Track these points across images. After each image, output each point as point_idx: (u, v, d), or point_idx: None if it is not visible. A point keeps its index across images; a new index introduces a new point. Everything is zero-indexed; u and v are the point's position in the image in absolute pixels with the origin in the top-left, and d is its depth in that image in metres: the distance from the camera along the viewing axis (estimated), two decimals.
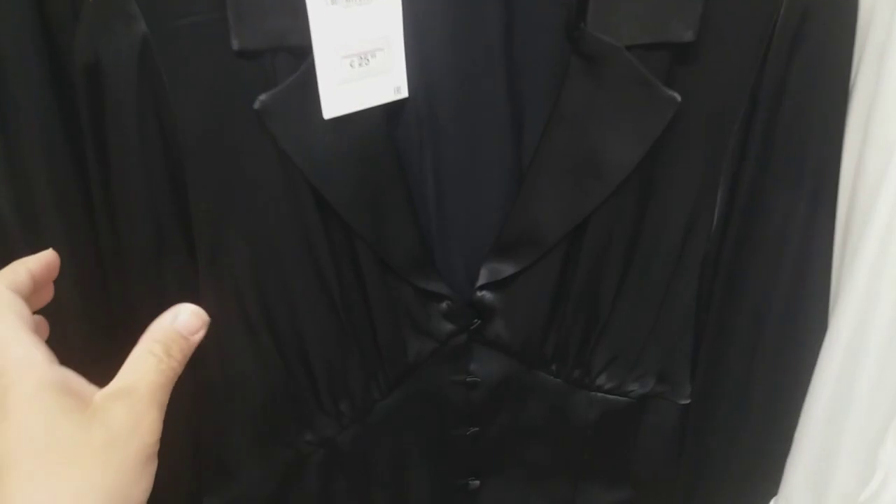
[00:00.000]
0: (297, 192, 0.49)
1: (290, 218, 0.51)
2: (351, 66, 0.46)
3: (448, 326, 0.59)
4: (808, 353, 0.59)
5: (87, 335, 0.52)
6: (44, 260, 0.38)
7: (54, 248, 0.39)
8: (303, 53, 0.45)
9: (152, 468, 0.34)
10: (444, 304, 0.58)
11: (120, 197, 0.48)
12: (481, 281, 0.57)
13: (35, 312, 0.37)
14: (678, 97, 0.49)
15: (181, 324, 0.39)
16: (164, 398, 0.36)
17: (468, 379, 0.61)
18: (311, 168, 0.48)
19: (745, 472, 0.64)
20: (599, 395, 0.63)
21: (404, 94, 0.49)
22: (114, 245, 0.50)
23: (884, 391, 0.55)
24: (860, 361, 0.54)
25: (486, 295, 0.58)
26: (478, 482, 0.67)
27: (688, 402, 0.64)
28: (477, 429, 0.64)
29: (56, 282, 0.40)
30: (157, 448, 0.35)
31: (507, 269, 0.56)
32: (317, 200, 0.50)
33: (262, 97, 0.46)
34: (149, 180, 0.48)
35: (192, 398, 0.55)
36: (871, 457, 0.59)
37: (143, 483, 0.34)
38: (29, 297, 0.36)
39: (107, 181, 0.48)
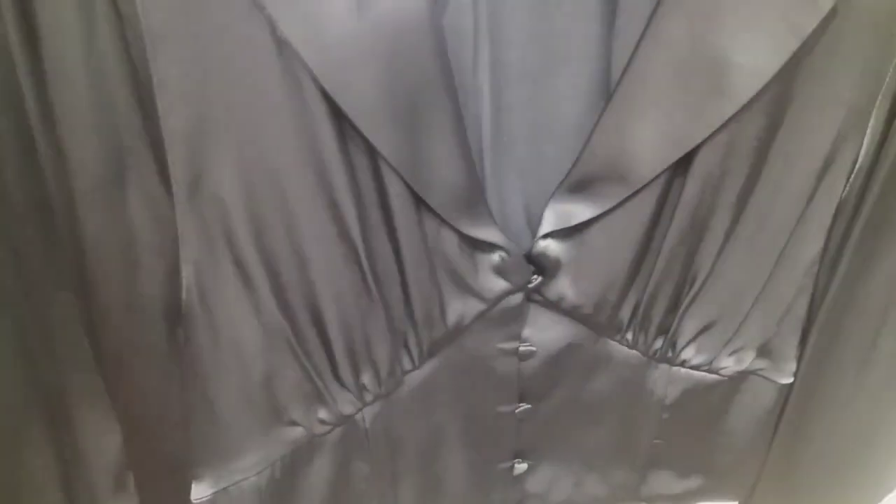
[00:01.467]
0: (303, 98, 0.36)
1: (295, 134, 0.37)
2: None
3: (500, 284, 0.46)
4: None
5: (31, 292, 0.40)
6: None
7: None
8: None
9: None
10: (496, 256, 0.45)
11: (61, 106, 0.35)
12: (546, 227, 0.45)
13: None
14: None
15: None
16: None
17: (521, 347, 0.50)
18: (323, 66, 0.35)
19: (849, 465, 0.55)
20: (683, 370, 0.52)
21: None
22: (59, 173, 0.37)
23: None
24: None
25: (550, 245, 0.45)
26: (525, 465, 0.56)
27: (789, 381, 0.53)
28: (528, 406, 0.53)
29: None
30: None
31: (583, 213, 0.44)
32: (331, 111, 0.37)
33: None
34: (99, 80, 0.35)
35: (178, 364, 0.44)
36: None
37: None
38: None
39: (41, 83, 0.35)
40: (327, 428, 0.48)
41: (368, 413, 0.48)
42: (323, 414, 0.47)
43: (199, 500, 0.47)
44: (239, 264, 0.41)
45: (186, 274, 0.40)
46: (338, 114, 0.37)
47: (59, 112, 0.36)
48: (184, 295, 0.41)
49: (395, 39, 0.35)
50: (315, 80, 0.35)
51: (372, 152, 0.39)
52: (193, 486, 0.47)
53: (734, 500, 0.62)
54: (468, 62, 0.40)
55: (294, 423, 0.47)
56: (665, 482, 0.59)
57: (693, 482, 0.59)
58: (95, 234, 0.39)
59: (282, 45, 0.34)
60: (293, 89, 0.36)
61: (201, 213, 0.39)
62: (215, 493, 0.47)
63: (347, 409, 0.47)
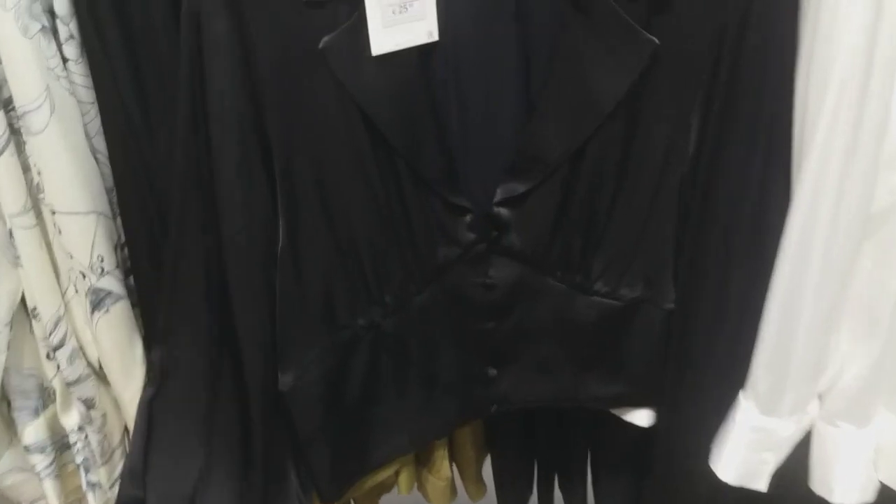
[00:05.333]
0: (350, 115, 0.57)
1: (345, 137, 0.58)
2: (393, 13, 0.53)
3: (471, 235, 0.64)
4: (771, 262, 0.63)
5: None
6: None
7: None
8: (357, 3, 0.53)
9: None
10: (467, 217, 0.64)
11: (214, 119, 0.55)
12: (498, 197, 0.62)
13: None
14: (656, 40, 0.55)
15: None
16: None
17: (487, 281, 0.67)
18: (361, 95, 0.55)
19: (720, 368, 0.67)
20: (596, 298, 0.68)
21: (435, 37, 0.56)
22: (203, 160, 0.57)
23: (828, 287, 0.61)
24: (807, 262, 0.60)
25: (502, 210, 0.63)
26: (495, 370, 0.72)
27: (672, 306, 0.67)
28: (493, 324, 0.69)
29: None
30: None
31: (520, 188, 0.62)
32: (366, 123, 0.57)
33: (326, 38, 0.53)
34: (237, 102, 0.55)
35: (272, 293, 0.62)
36: (823, 346, 0.64)
37: None
38: None
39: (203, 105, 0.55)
40: (364, 331, 0.66)
41: (389, 323, 0.66)
42: (361, 321, 0.65)
43: (286, 388, 0.63)
44: (311, 221, 0.60)
45: (282, 225, 0.59)
46: (370, 125, 0.57)
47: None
48: (280, 239, 0.59)
49: (401, 82, 0.56)
50: (358, 105, 0.56)
51: (390, 148, 0.58)
52: (280, 377, 0.63)
53: (650, 406, 0.74)
54: (443, 92, 0.59)
55: (344, 327, 0.65)
56: (595, 386, 0.73)
57: (616, 388, 0.73)
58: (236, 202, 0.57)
59: (338, 84, 0.55)
60: (344, 109, 0.56)
61: (290, 186, 0.58)
62: (295, 380, 0.63)
63: (376, 318, 0.65)
